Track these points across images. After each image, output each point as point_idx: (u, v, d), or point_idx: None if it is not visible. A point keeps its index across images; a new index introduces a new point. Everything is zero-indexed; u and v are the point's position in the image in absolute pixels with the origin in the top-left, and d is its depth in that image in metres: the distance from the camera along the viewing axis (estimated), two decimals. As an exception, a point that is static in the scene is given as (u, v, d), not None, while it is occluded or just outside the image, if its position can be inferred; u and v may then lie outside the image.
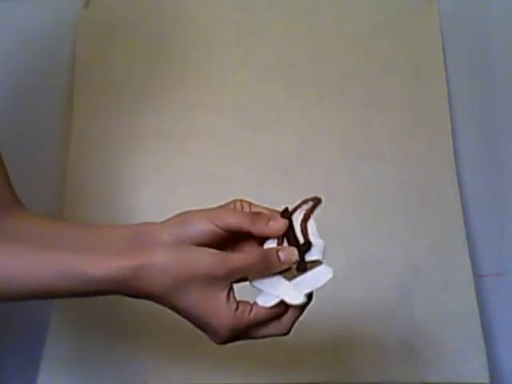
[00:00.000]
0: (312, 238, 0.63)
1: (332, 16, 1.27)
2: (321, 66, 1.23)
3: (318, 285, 0.62)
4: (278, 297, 0.61)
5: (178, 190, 1.08)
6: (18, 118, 1.17)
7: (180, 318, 1.03)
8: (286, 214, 0.66)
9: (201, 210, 0.68)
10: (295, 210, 0.66)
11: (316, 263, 0.63)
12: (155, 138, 1.16)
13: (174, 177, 1.13)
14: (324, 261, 0.63)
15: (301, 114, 1.19)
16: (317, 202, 0.66)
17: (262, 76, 1.22)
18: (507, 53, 1.28)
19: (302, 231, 0.64)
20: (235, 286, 0.63)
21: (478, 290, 1.08)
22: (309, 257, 0.63)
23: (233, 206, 0.70)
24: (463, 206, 1.13)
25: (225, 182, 1.13)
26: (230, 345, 1.03)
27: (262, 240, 0.67)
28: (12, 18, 1.22)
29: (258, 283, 0.62)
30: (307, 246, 0.63)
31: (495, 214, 1.19)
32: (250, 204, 0.70)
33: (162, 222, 0.70)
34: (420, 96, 1.21)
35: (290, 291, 0.62)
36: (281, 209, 0.67)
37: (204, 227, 0.66)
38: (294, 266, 0.62)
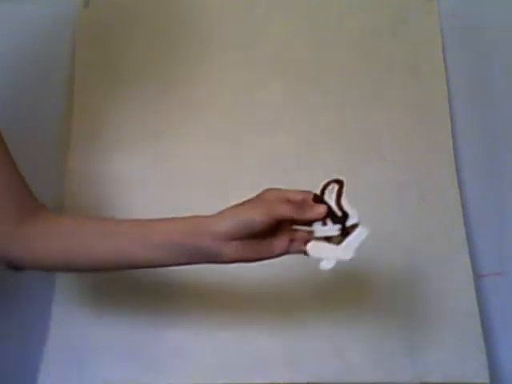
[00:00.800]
0: (348, 210, 0.80)
1: (332, 16, 1.27)
2: (321, 66, 1.23)
3: (360, 241, 0.79)
4: (335, 258, 0.79)
5: (178, 190, 1.08)
6: (17, 118, 1.17)
7: (180, 317, 1.04)
8: (318, 198, 0.80)
9: (251, 203, 0.80)
10: (323, 192, 0.81)
11: (355, 226, 0.80)
12: (155, 138, 1.16)
13: (173, 177, 1.13)
14: (360, 223, 0.80)
15: (301, 114, 1.19)
16: (341, 182, 0.81)
17: (262, 76, 1.22)
18: (507, 53, 1.28)
19: (338, 207, 0.80)
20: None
21: (478, 290, 1.08)
22: (349, 223, 0.79)
23: (269, 194, 0.80)
24: (463, 206, 1.13)
25: (225, 182, 1.13)
26: (229, 344, 1.04)
27: (296, 222, 0.81)
28: (12, 17, 1.22)
29: (316, 253, 0.79)
30: (345, 216, 0.79)
31: (495, 214, 1.19)
32: (281, 190, 0.81)
33: (217, 215, 0.79)
34: (420, 96, 1.21)
35: (342, 252, 0.79)
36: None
37: (259, 218, 0.78)
38: (339, 232, 0.79)
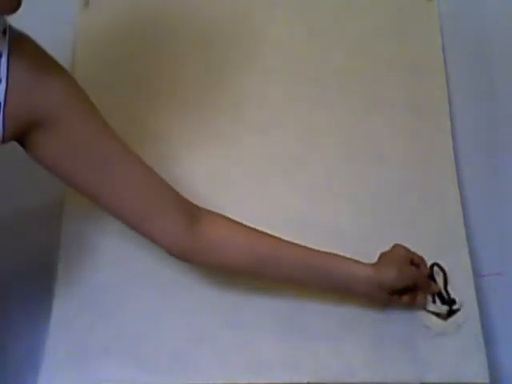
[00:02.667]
0: (454, 297, 1.04)
1: (332, 16, 1.27)
2: (321, 66, 1.23)
3: (461, 323, 1.03)
4: (442, 331, 1.03)
5: (178, 190, 1.08)
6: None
7: (180, 319, 1.04)
8: (430, 276, 1.05)
9: (397, 264, 0.99)
10: (431, 269, 1.05)
11: (456, 310, 1.04)
12: (155, 138, 1.16)
13: (173, 177, 1.13)
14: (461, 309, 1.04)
15: (301, 114, 1.20)
16: (444, 270, 1.05)
17: (263, 76, 1.22)
18: (507, 53, 1.28)
19: (446, 292, 1.04)
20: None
21: (478, 290, 1.08)
22: (453, 307, 1.04)
23: (401, 253, 1.02)
24: (463, 205, 1.13)
25: (225, 182, 1.13)
26: (229, 344, 1.04)
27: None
28: (11, 18, 1.22)
29: (428, 323, 1.03)
30: (453, 301, 1.04)
31: (495, 214, 1.19)
32: (409, 251, 1.03)
33: (382, 270, 0.98)
34: (420, 96, 1.21)
35: (446, 327, 1.03)
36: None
37: (407, 282, 1.00)
38: (446, 312, 1.03)
